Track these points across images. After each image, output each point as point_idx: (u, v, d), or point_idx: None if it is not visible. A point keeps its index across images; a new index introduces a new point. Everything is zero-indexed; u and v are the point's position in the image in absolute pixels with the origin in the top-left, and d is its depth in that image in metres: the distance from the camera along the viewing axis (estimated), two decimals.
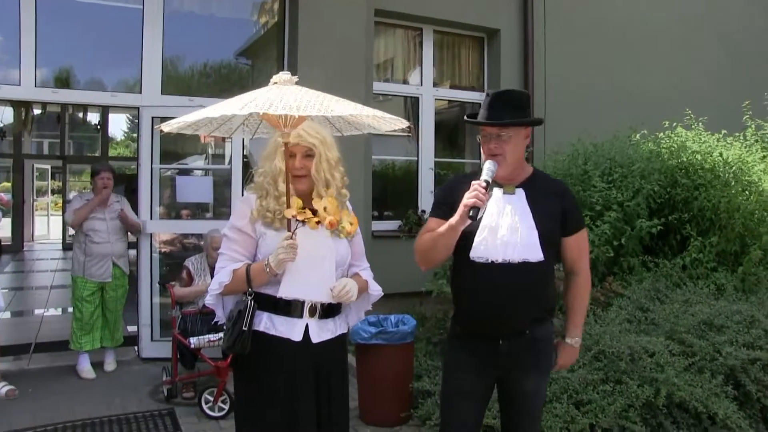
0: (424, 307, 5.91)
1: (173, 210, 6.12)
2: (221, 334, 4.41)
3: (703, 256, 5.05)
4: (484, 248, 2.33)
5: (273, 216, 2.29)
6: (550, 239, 2.38)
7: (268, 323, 2.29)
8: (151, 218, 5.58)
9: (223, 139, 6.51)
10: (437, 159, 7.46)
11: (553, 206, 2.42)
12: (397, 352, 4.22)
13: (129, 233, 5.49)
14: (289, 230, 2.23)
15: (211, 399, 4.35)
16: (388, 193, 7.60)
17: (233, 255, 2.31)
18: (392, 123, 2.35)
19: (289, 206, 2.24)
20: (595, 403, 3.48)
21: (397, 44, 7.46)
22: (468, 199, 2.20)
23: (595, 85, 7.87)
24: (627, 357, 3.66)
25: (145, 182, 5.55)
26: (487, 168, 2.32)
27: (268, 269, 2.21)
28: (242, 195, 2.62)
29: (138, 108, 5.66)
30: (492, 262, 2.33)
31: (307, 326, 2.29)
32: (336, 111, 2.02)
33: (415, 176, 7.37)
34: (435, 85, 7.50)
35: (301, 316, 2.29)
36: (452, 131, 8.02)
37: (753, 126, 6.24)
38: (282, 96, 2.03)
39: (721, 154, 5.40)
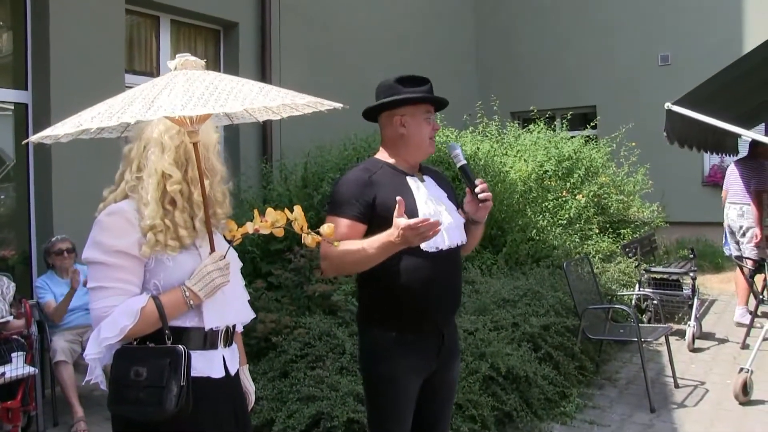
0: None
1: None
2: (6, 367, 3.53)
3: None
4: (434, 236, 2.20)
5: (179, 236, 1.83)
6: None
7: None
8: None
9: None
10: None
11: (446, 187, 2.49)
12: None
13: None
14: (213, 249, 1.85)
15: None
16: None
17: (123, 287, 1.76)
18: (323, 106, 2.01)
19: (208, 217, 1.84)
20: None
21: (134, 33, 6.73)
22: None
23: (337, 81, 7.98)
24: (462, 336, 3.91)
25: None
26: (459, 152, 2.40)
27: (191, 301, 1.78)
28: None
29: None
30: (440, 249, 2.27)
31: (223, 357, 1.91)
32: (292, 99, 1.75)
33: None
34: None
35: (216, 347, 1.88)
36: None
37: (483, 123, 7.19)
38: (208, 87, 1.65)
39: (479, 149, 6.08)
